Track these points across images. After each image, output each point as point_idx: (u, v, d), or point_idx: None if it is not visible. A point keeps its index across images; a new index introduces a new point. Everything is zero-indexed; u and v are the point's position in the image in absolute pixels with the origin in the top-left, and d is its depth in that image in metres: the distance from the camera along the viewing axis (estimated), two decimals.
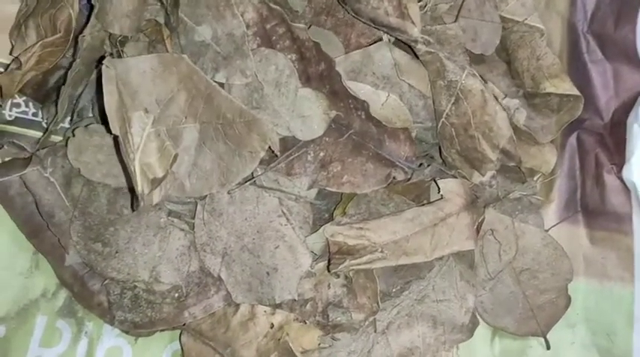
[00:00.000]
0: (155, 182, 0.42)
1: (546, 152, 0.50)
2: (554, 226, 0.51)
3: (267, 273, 0.45)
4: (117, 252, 0.46)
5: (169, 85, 0.43)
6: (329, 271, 0.44)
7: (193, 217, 0.47)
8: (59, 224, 0.47)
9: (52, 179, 0.47)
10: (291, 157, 0.45)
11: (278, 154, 0.44)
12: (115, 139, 0.43)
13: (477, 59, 0.50)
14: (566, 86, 0.49)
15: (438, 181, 0.46)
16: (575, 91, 0.48)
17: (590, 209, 0.51)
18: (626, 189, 0.49)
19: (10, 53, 0.50)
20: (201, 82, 0.42)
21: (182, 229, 0.47)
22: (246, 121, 0.42)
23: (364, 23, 0.45)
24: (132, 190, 0.44)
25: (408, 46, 0.46)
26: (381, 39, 0.47)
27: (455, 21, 0.47)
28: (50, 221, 0.48)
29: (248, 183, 0.45)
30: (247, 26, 0.44)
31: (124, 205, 0.47)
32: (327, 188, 0.45)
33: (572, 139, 0.52)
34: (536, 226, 0.50)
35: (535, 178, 0.51)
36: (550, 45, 0.51)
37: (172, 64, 0.42)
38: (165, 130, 0.43)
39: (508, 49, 0.51)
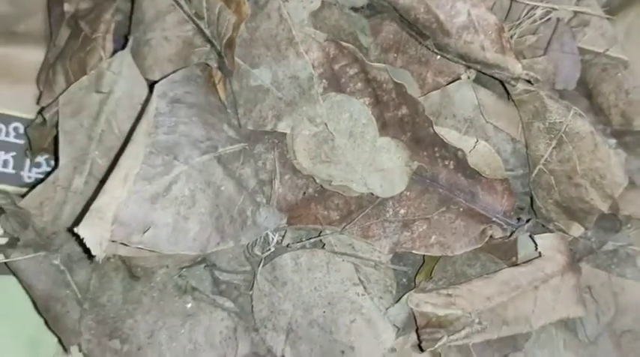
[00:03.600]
0: None
1: None
2: None
3: (342, 352, 0.39)
4: (139, 349, 0.39)
5: None
6: (421, 349, 0.38)
7: (250, 288, 0.40)
8: (58, 318, 0.40)
9: (55, 262, 0.40)
10: (368, 217, 0.39)
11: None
12: None
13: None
14: None
15: (535, 237, 0.40)
16: None
17: None
18: None
19: (38, 102, 0.44)
20: None
21: (225, 309, 0.40)
22: None
23: (446, 59, 0.39)
24: None
25: (493, 84, 0.40)
26: (459, 77, 0.41)
27: (544, 53, 0.41)
28: (47, 316, 0.41)
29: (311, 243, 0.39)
30: (312, 67, 0.38)
31: (143, 292, 0.40)
32: (413, 251, 0.39)
33: None
34: (636, 281, 0.44)
35: (629, 226, 0.45)
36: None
37: None
38: None
39: (588, 83, 0.46)
